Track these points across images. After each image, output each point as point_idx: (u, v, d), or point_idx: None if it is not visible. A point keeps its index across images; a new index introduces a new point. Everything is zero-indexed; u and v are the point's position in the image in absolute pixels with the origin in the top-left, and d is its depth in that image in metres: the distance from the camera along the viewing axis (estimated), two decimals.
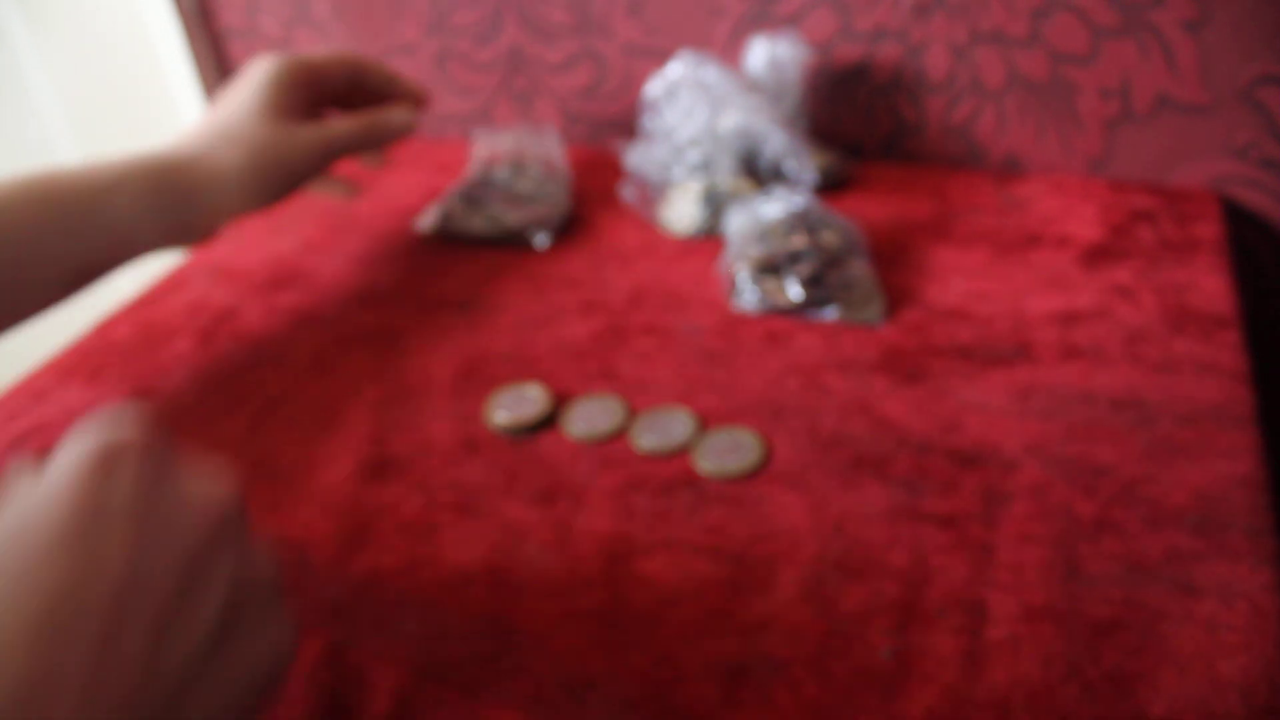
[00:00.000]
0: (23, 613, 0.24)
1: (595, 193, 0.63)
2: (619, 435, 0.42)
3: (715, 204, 0.56)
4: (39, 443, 0.46)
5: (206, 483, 0.30)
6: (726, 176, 0.57)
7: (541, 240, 0.58)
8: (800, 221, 0.50)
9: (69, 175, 0.45)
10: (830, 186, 0.60)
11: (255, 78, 0.52)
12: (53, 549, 0.26)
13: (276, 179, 0.50)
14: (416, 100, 0.57)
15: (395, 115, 0.55)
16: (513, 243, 0.59)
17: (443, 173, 0.68)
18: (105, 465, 0.28)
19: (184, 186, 0.47)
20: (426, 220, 0.61)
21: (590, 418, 0.43)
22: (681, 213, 0.57)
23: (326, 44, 0.76)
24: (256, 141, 0.49)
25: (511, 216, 0.59)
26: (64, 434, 0.46)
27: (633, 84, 0.68)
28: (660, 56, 0.65)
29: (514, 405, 0.44)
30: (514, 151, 0.62)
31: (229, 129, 0.50)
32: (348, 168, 0.65)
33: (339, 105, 0.56)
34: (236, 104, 0.51)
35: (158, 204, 0.46)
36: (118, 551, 0.26)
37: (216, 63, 0.81)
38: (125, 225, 0.45)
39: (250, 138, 0.49)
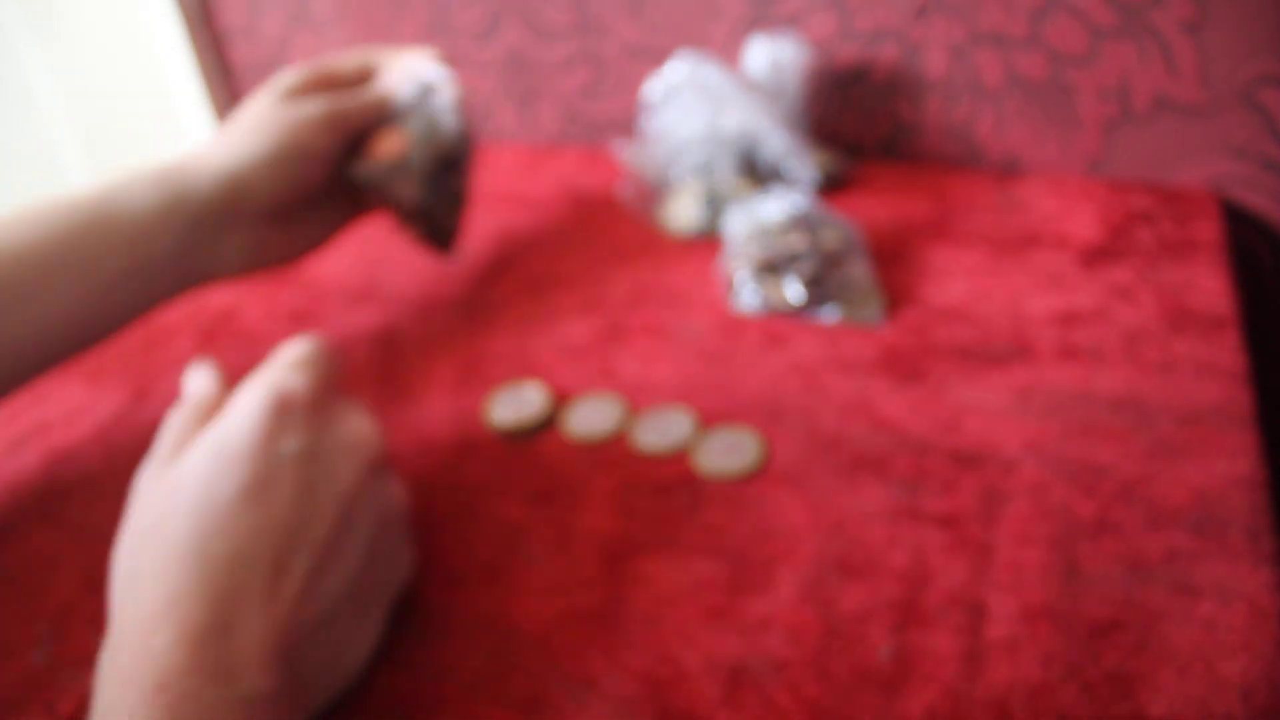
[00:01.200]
0: (214, 555, 0.29)
1: (595, 193, 0.63)
2: (619, 435, 0.42)
3: (715, 204, 0.56)
4: (39, 443, 0.46)
5: (359, 428, 0.34)
6: (726, 176, 0.57)
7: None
8: (800, 221, 0.50)
9: (86, 195, 0.42)
10: (830, 186, 0.60)
11: (270, 82, 0.52)
12: (233, 502, 0.30)
13: (286, 157, 0.46)
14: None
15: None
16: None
17: None
18: (278, 417, 0.32)
19: (191, 183, 0.44)
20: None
21: (590, 418, 0.43)
22: (681, 213, 0.57)
23: (326, 44, 0.76)
24: (261, 122, 0.46)
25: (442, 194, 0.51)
26: (64, 434, 0.46)
27: (633, 84, 0.68)
28: (660, 57, 0.66)
29: (514, 405, 0.44)
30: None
31: (235, 121, 0.48)
32: None
33: None
34: (248, 103, 0.49)
35: (169, 206, 0.43)
36: (288, 501, 0.30)
37: (217, 63, 0.81)
38: (142, 238, 0.42)
39: (255, 122, 0.46)
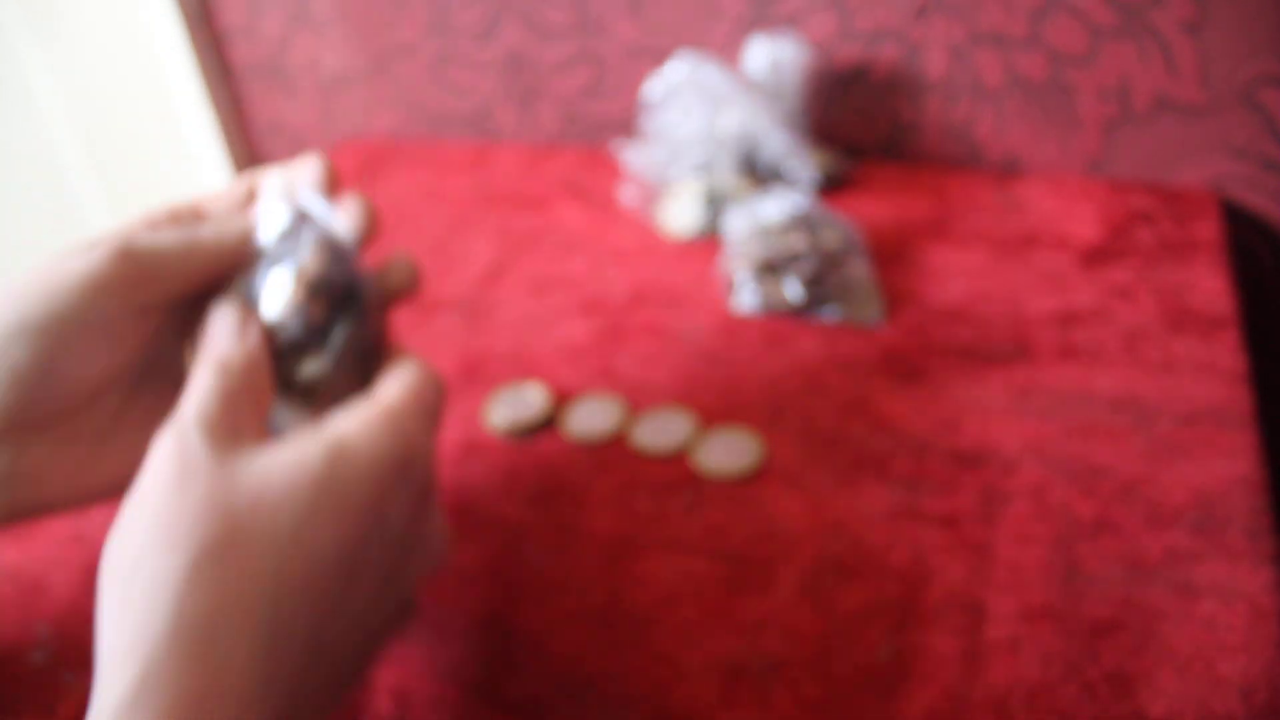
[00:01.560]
0: (298, 632, 0.25)
1: (595, 193, 0.63)
2: (619, 435, 0.42)
3: (715, 204, 0.56)
4: None
5: (439, 527, 0.30)
6: (726, 176, 0.57)
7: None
8: (800, 221, 0.50)
9: None
10: (830, 186, 0.60)
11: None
12: (331, 565, 0.25)
13: (23, 336, 0.28)
14: None
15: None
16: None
17: (443, 173, 0.68)
18: (402, 474, 0.27)
19: None
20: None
21: (590, 418, 0.43)
22: (681, 213, 0.57)
23: (326, 44, 0.76)
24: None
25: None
26: None
27: (633, 84, 0.68)
28: (660, 56, 0.65)
29: (514, 405, 0.44)
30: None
31: None
32: None
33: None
34: None
35: None
36: (372, 590, 0.27)
37: (217, 63, 0.81)
38: None
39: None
